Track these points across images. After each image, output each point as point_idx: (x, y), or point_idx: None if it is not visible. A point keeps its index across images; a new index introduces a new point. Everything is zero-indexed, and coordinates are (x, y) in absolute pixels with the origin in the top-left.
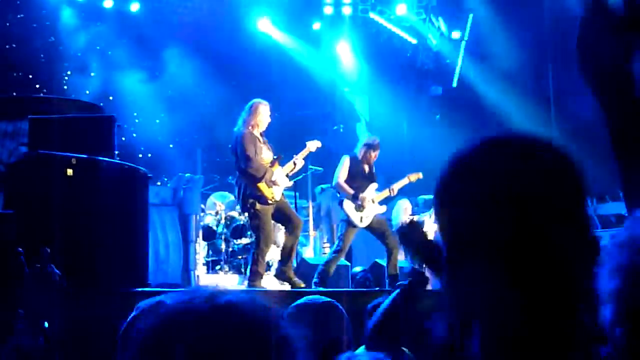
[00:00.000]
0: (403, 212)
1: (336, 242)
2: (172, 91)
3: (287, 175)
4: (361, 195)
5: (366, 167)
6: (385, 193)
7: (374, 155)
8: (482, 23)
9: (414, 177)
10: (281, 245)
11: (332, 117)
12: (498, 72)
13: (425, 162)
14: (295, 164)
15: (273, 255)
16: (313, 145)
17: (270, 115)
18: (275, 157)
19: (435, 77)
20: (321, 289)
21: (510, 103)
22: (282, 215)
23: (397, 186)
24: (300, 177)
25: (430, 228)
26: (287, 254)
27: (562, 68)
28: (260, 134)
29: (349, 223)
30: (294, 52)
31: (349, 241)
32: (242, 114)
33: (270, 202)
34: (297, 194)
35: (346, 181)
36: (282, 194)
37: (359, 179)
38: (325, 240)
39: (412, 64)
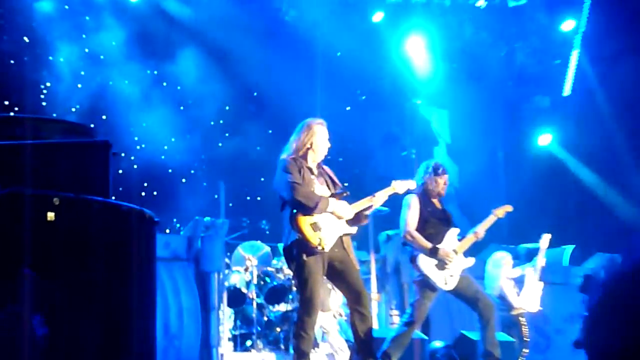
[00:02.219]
0: (503, 267)
1: (408, 311)
2: (186, 106)
3: (356, 218)
4: (441, 247)
5: (438, 206)
6: (471, 239)
7: (443, 186)
8: (604, 8)
9: (501, 212)
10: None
11: (399, 140)
12: (628, 74)
13: (527, 199)
14: (371, 202)
15: (327, 323)
16: (402, 186)
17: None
18: (336, 194)
19: (540, 84)
20: None
21: None
22: (340, 278)
23: (482, 228)
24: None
25: (533, 284)
26: (359, 339)
27: None
28: (317, 166)
29: (427, 286)
30: (347, 52)
31: (426, 309)
32: (292, 136)
33: (317, 250)
34: (355, 243)
35: (417, 229)
36: (347, 249)
37: (432, 223)
38: (392, 306)
39: (509, 67)
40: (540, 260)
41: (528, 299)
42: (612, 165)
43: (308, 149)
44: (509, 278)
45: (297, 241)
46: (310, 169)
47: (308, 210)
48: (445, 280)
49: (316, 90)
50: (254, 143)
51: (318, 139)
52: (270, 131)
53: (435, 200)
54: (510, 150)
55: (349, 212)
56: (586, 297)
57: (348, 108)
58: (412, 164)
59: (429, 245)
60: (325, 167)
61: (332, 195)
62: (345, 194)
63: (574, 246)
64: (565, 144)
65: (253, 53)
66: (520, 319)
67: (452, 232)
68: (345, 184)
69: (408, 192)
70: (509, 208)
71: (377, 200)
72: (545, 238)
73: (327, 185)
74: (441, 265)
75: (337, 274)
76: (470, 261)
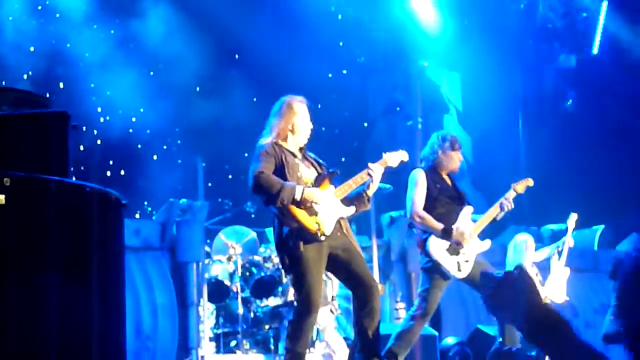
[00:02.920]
0: (525, 251)
1: (416, 302)
2: (156, 71)
3: (352, 200)
4: (456, 228)
5: (449, 182)
6: (488, 218)
7: (457, 162)
8: None
9: (521, 186)
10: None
11: (404, 108)
12: None
13: (551, 173)
14: (369, 176)
15: (323, 319)
16: (394, 158)
17: (311, 118)
18: (325, 174)
19: (565, 41)
20: None
21: None
22: (345, 269)
23: (506, 203)
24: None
25: (558, 271)
26: (366, 337)
27: None
28: (301, 149)
29: (437, 273)
30: (343, 7)
31: (437, 299)
32: (270, 118)
33: (317, 237)
34: (354, 227)
35: (426, 208)
36: (346, 231)
37: (443, 202)
38: (398, 298)
39: (529, 22)
40: (568, 242)
41: (553, 288)
42: None
43: (289, 131)
44: (532, 263)
45: (291, 231)
46: (292, 153)
47: (269, 201)
48: (459, 266)
49: (308, 51)
50: (236, 113)
51: (299, 119)
52: (255, 99)
53: (445, 176)
54: (531, 118)
55: (339, 207)
56: (616, 284)
57: (345, 72)
58: (418, 135)
59: (440, 226)
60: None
61: (321, 177)
62: (334, 174)
63: (603, 226)
64: (594, 111)
65: (234, 8)
66: None
67: (466, 211)
68: (343, 159)
69: (414, 166)
70: (530, 182)
71: (375, 172)
72: (573, 218)
73: (315, 168)
74: (454, 249)
75: (341, 265)
76: (487, 244)
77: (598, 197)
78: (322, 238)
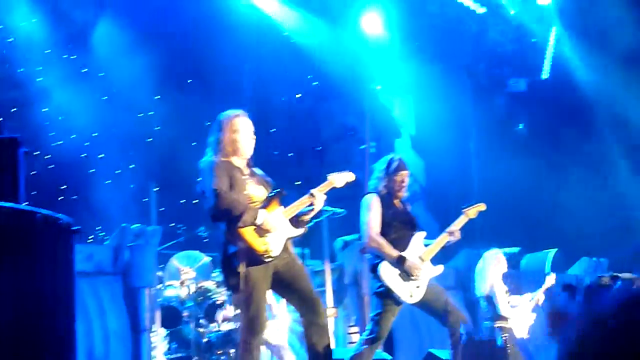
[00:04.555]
0: (494, 265)
1: (368, 327)
2: (110, 95)
3: (295, 221)
4: (409, 258)
5: (400, 207)
6: (441, 242)
7: (403, 182)
8: None
9: (473, 211)
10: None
11: (357, 132)
12: (613, 56)
13: (503, 197)
14: (311, 203)
15: (276, 338)
16: (340, 179)
17: (254, 133)
18: (272, 193)
19: (516, 66)
20: None
21: (633, 100)
22: (289, 289)
23: (456, 228)
24: (311, 224)
25: (526, 311)
26: (316, 356)
27: None
28: (247, 164)
29: (389, 298)
30: (295, 32)
31: (389, 324)
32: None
33: (265, 259)
34: (307, 251)
35: (379, 233)
36: (290, 250)
37: (395, 226)
38: (352, 322)
39: (479, 47)
40: (540, 295)
41: (518, 322)
42: (595, 157)
43: (233, 146)
44: (502, 279)
45: (238, 251)
46: (239, 169)
47: (232, 222)
48: (411, 292)
49: (263, 76)
50: (189, 138)
51: (241, 134)
52: (208, 123)
53: (396, 201)
54: (483, 141)
55: (288, 228)
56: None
57: (298, 95)
58: (371, 159)
59: (394, 253)
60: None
61: (269, 197)
62: (282, 194)
63: (556, 250)
64: (545, 133)
65: (190, 33)
66: (503, 335)
67: (418, 237)
68: (299, 182)
69: (367, 191)
70: (482, 207)
71: (317, 199)
72: (551, 278)
73: (262, 185)
74: (406, 275)
75: (285, 283)
76: (439, 269)
77: (550, 220)
78: (268, 260)
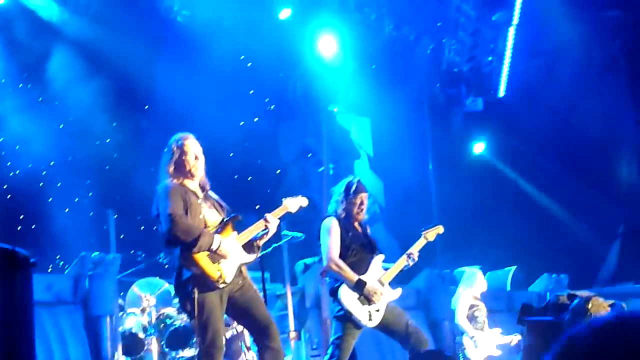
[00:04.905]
0: (477, 280)
1: (329, 350)
2: (67, 123)
3: (249, 246)
4: (369, 284)
5: (359, 230)
6: (400, 265)
7: (358, 208)
8: None
9: (431, 234)
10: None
11: (316, 154)
12: (568, 70)
13: (462, 216)
14: (265, 227)
15: None
16: (294, 203)
17: (202, 154)
18: (227, 218)
19: (472, 85)
20: None
21: (592, 117)
22: (243, 313)
23: (415, 250)
24: (270, 249)
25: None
26: None
27: None
28: (202, 188)
29: (349, 322)
30: (252, 56)
31: (350, 347)
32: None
33: (218, 285)
34: (268, 274)
35: (339, 256)
36: (244, 275)
37: (355, 250)
38: (314, 345)
39: (435, 66)
40: (516, 339)
41: (478, 341)
42: (553, 174)
43: (183, 170)
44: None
45: (192, 277)
46: (194, 193)
47: (187, 248)
48: (370, 315)
49: (220, 99)
50: (146, 164)
51: (189, 155)
52: (165, 150)
53: (356, 224)
54: (441, 161)
55: (241, 253)
56: (524, 329)
57: (256, 119)
58: (329, 181)
59: (354, 278)
60: (209, 191)
61: (223, 222)
62: (237, 219)
63: (515, 267)
64: (503, 152)
65: (142, 61)
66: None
67: (377, 260)
68: (258, 206)
69: (326, 214)
70: (440, 230)
71: (271, 224)
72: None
73: (216, 209)
74: (366, 299)
75: (240, 308)
76: (397, 292)
77: (509, 238)
78: (222, 286)
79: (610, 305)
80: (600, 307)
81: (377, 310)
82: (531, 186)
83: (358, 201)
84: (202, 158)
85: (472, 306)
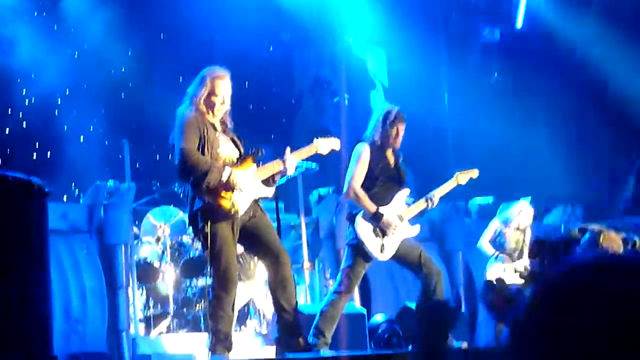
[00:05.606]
0: (523, 219)
1: (339, 277)
2: (82, 52)
3: (268, 181)
4: (386, 216)
5: (391, 159)
6: (421, 205)
7: (398, 135)
8: None
9: (464, 177)
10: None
11: (331, 84)
12: (588, 5)
13: (477, 146)
14: (282, 169)
15: (256, 294)
16: (325, 145)
17: (229, 98)
18: (249, 152)
19: (489, 15)
20: (323, 353)
21: (610, 51)
22: (254, 242)
23: (439, 194)
24: (284, 180)
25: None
26: (282, 309)
27: None
28: (222, 122)
29: (361, 252)
30: None
31: (359, 277)
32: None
33: (230, 215)
34: (282, 204)
35: (364, 186)
36: (259, 206)
37: (381, 180)
38: (327, 275)
39: None
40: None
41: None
42: (570, 109)
43: (208, 103)
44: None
45: (204, 207)
46: (212, 125)
47: (197, 181)
48: (382, 248)
49: (235, 29)
50: (162, 94)
51: (219, 92)
52: (181, 79)
53: (389, 154)
54: (457, 92)
55: (256, 186)
56: (535, 264)
57: (271, 48)
58: (345, 112)
59: (373, 208)
60: (229, 123)
61: (242, 157)
62: (258, 153)
63: (530, 198)
64: (519, 84)
65: None
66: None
67: (402, 194)
68: (272, 136)
69: (359, 140)
70: (474, 173)
71: (289, 166)
72: None
73: (235, 144)
74: (381, 231)
75: (252, 238)
76: (416, 230)
77: (524, 169)
78: (235, 216)
79: (622, 239)
80: (612, 240)
81: (391, 244)
82: (547, 118)
83: (394, 132)
84: (228, 101)
85: (499, 233)
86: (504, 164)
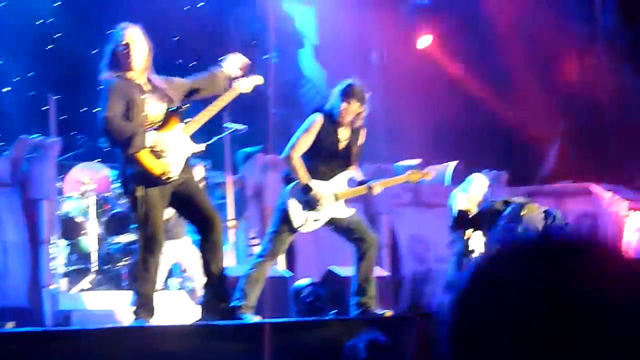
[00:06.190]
0: (470, 190)
1: (263, 243)
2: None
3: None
4: (315, 189)
5: (343, 137)
6: (361, 191)
7: (353, 113)
8: None
9: (415, 176)
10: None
11: (258, 41)
12: None
13: (405, 110)
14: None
15: (184, 253)
16: (246, 83)
17: (146, 44)
18: (172, 108)
19: None
20: (246, 318)
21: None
22: (186, 206)
23: (383, 184)
24: (212, 141)
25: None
26: (210, 273)
27: None
28: (148, 79)
29: (286, 219)
30: None
31: (284, 245)
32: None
33: (162, 179)
34: (209, 163)
35: (307, 156)
36: (188, 168)
37: (325, 155)
38: (252, 235)
39: None
40: None
41: None
42: (499, 70)
43: (123, 62)
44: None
45: (135, 173)
46: (138, 87)
47: (122, 148)
48: (306, 220)
49: None
50: (89, 46)
51: (134, 48)
52: (108, 32)
53: (342, 130)
54: (387, 54)
55: (186, 145)
56: (456, 235)
57: (201, 4)
58: (274, 71)
59: (304, 180)
60: (156, 77)
61: (169, 113)
62: (181, 109)
63: (456, 162)
64: (449, 48)
65: None
66: None
67: (346, 174)
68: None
69: (313, 110)
70: (428, 175)
71: (220, 103)
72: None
73: (165, 100)
74: (309, 204)
75: (183, 201)
76: (350, 212)
77: (452, 133)
78: (167, 180)
79: (544, 212)
80: (534, 212)
81: (315, 220)
82: (476, 81)
83: (349, 108)
84: (145, 49)
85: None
86: (432, 127)
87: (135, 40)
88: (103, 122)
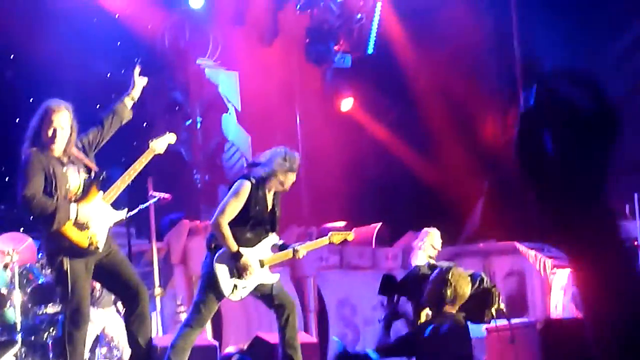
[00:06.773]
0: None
1: (191, 308)
2: None
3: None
4: (244, 257)
5: (269, 202)
6: (286, 255)
7: (287, 183)
8: None
9: (338, 237)
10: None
11: (182, 107)
12: (436, 30)
13: (329, 173)
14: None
15: (110, 323)
16: (160, 143)
17: (70, 126)
18: (90, 180)
19: (341, 41)
20: None
21: (460, 76)
22: (111, 278)
23: (307, 247)
24: (137, 210)
25: None
26: (136, 345)
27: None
28: (67, 154)
29: (213, 287)
30: (119, 4)
31: (211, 311)
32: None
33: (88, 251)
34: (133, 230)
35: (234, 223)
36: (111, 239)
37: (253, 222)
38: (179, 301)
39: (306, 22)
40: None
41: None
42: (421, 131)
43: (49, 138)
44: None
45: (59, 247)
46: (59, 160)
47: (45, 225)
48: (234, 289)
49: (86, 52)
50: (12, 114)
51: (60, 134)
52: (31, 100)
53: (269, 196)
54: (309, 117)
55: (101, 209)
56: (385, 300)
57: (123, 71)
58: (197, 136)
59: (233, 248)
60: (73, 149)
61: (88, 184)
62: (99, 180)
63: (380, 224)
64: (370, 109)
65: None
66: None
67: (270, 240)
68: (123, 159)
69: (242, 177)
70: (350, 236)
71: (136, 166)
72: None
73: (85, 172)
74: (237, 271)
75: (108, 273)
76: (275, 277)
77: (376, 195)
78: (95, 251)
79: (470, 276)
80: (460, 277)
81: (244, 288)
82: (398, 142)
83: (283, 179)
84: (67, 132)
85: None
86: (356, 189)
87: (63, 126)
88: (23, 200)
